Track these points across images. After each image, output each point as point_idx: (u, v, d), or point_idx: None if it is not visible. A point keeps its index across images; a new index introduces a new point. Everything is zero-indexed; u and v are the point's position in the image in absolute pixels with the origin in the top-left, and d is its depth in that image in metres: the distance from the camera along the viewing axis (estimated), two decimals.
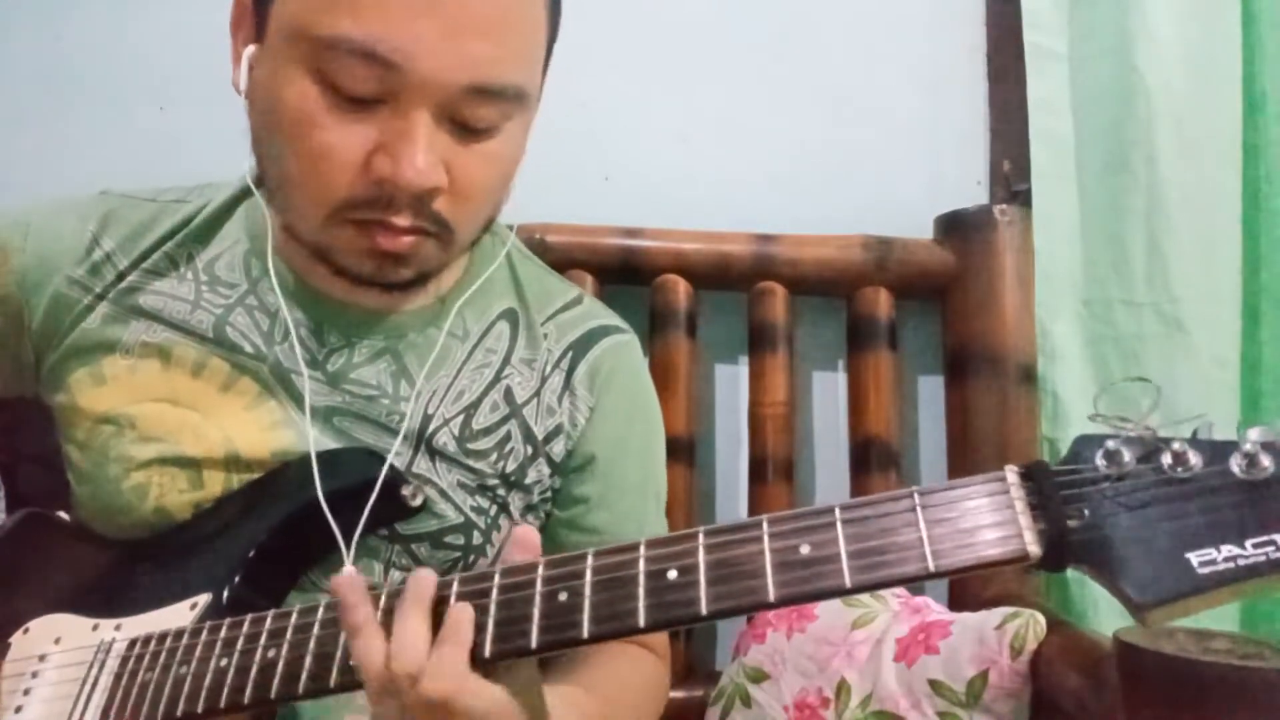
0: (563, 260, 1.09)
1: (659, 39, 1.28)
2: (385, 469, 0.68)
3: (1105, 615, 1.07)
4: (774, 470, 1.14)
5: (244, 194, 0.78)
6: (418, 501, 0.68)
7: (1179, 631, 0.69)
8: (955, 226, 1.18)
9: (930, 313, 1.20)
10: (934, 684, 0.85)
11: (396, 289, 0.70)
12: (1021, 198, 1.19)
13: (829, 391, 1.25)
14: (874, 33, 1.27)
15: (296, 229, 0.68)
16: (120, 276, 0.73)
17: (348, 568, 0.65)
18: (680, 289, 1.16)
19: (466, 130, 0.63)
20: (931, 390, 1.22)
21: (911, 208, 1.21)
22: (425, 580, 0.51)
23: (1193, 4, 1.10)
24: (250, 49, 0.65)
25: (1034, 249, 1.15)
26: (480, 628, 0.50)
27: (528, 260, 0.85)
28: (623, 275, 1.16)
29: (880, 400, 1.16)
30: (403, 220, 0.63)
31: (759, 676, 0.98)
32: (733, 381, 1.24)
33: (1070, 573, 1.11)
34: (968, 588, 1.10)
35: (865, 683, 0.90)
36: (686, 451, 1.14)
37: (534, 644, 0.49)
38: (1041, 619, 0.83)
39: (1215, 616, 1.03)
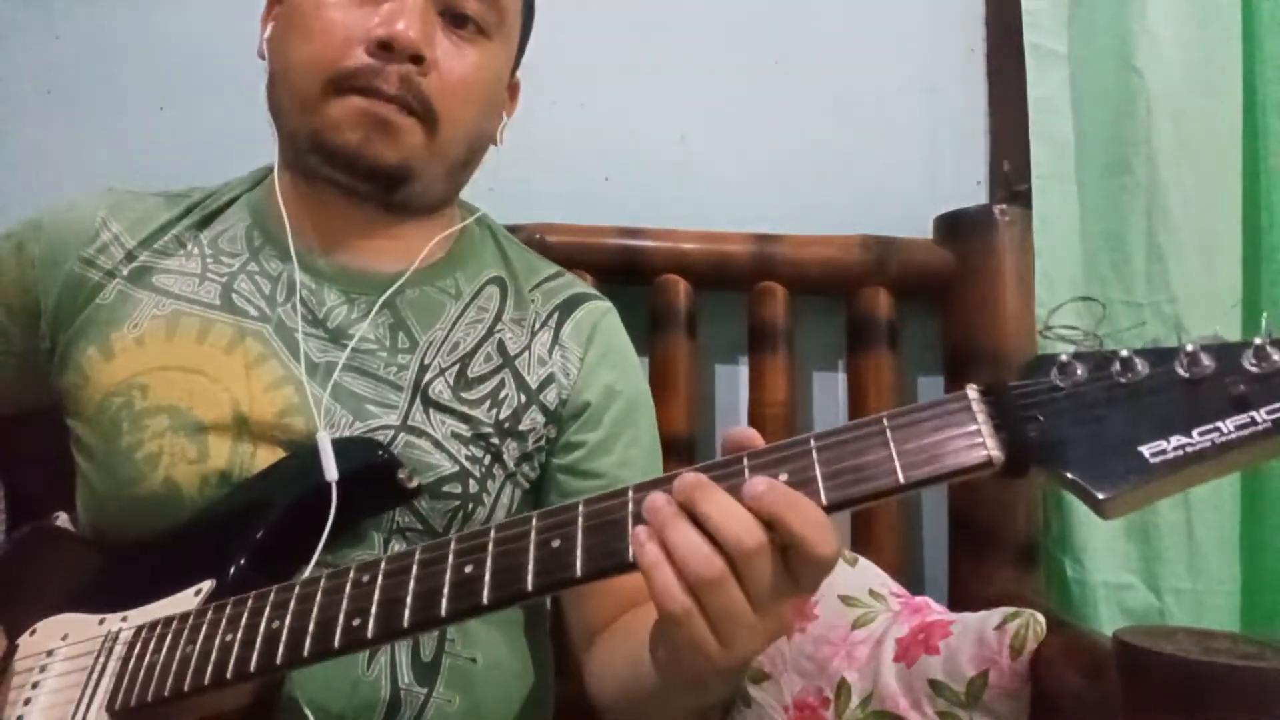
0: (563, 260, 1.08)
1: (659, 39, 1.28)
2: (381, 454, 0.70)
3: (1105, 615, 1.08)
4: None
5: (247, 190, 0.82)
6: (414, 484, 0.70)
7: (1180, 631, 0.69)
8: (955, 226, 1.18)
9: (930, 313, 1.20)
10: (934, 684, 0.85)
11: (384, 181, 0.73)
12: (1021, 198, 1.19)
13: (829, 391, 1.25)
14: (874, 33, 1.27)
15: (296, 124, 0.73)
16: (129, 256, 0.76)
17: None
18: (680, 289, 1.16)
19: (454, 19, 0.74)
20: (931, 390, 1.22)
21: (911, 208, 1.21)
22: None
23: (1193, 4, 1.10)
24: (274, 23, 0.76)
25: (1034, 249, 1.15)
26: (478, 579, 0.51)
27: (511, 241, 0.90)
28: (623, 275, 1.16)
29: (880, 400, 1.15)
30: (390, 86, 0.70)
31: (759, 676, 0.98)
32: (733, 381, 1.24)
33: (1070, 572, 1.12)
34: (968, 588, 1.10)
35: (865, 683, 0.90)
36: (686, 451, 1.14)
37: (529, 588, 0.50)
38: (1041, 619, 0.83)
39: (1216, 617, 1.03)
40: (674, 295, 1.16)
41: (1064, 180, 1.18)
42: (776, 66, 1.27)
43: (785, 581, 0.47)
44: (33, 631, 0.67)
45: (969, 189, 1.25)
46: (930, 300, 1.19)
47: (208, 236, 0.78)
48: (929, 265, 1.17)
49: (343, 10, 0.71)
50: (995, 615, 0.86)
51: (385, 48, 0.69)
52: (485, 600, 0.51)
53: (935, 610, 0.95)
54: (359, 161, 0.72)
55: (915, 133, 1.26)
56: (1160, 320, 1.09)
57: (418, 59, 0.70)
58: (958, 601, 1.08)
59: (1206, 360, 0.43)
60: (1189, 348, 0.43)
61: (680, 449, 1.11)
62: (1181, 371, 0.43)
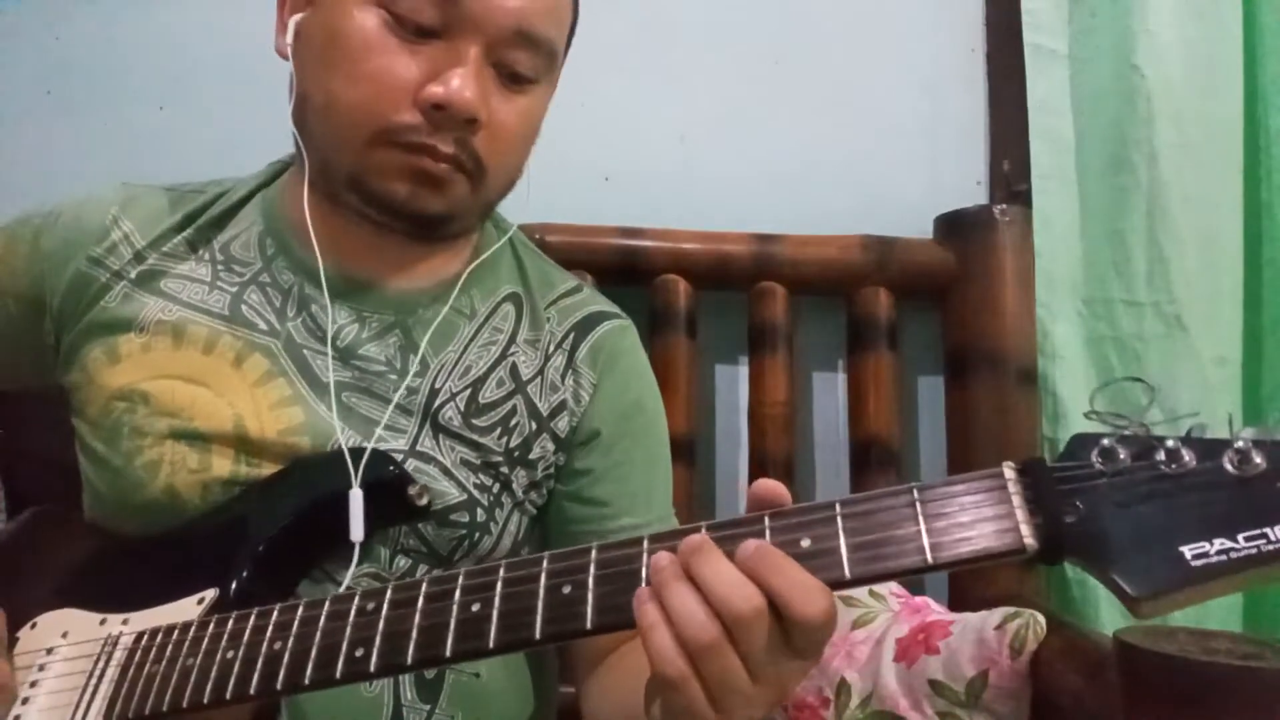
0: (563, 260, 1.08)
1: (659, 39, 1.28)
2: (391, 469, 0.68)
3: (1105, 615, 1.08)
4: (774, 470, 1.14)
5: (260, 186, 0.80)
6: (424, 501, 0.69)
7: (1180, 631, 0.69)
8: (955, 226, 1.18)
9: (930, 312, 1.20)
10: (934, 684, 0.85)
11: (423, 225, 0.71)
12: (1021, 198, 1.19)
13: (829, 391, 1.25)
14: (874, 32, 1.27)
15: (335, 161, 0.70)
16: (139, 257, 0.75)
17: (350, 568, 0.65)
18: (680, 289, 1.16)
19: (507, 76, 0.69)
20: (931, 390, 1.22)
21: (911, 208, 1.21)
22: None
23: (1193, 4, 1.10)
24: (298, 16, 0.71)
25: (1034, 249, 1.15)
26: (485, 619, 0.50)
27: (530, 250, 0.87)
28: (623, 275, 1.16)
29: (880, 400, 1.16)
30: (446, 147, 0.67)
31: None
32: (733, 381, 1.24)
33: (1070, 573, 1.12)
34: (968, 588, 1.10)
35: (865, 683, 0.90)
36: (686, 451, 1.14)
37: (537, 635, 0.49)
38: (1041, 619, 0.83)
39: (1216, 618, 1.03)
40: (674, 295, 1.16)
41: (1064, 180, 1.18)
42: (776, 66, 1.27)
43: (783, 648, 0.46)
44: (33, 625, 0.66)
45: (969, 189, 1.25)
46: (930, 300, 1.19)
47: (219, 241, 0.77)
48: (929, 265, 1.17)
49: (392, 57, 0.66)
50: (995, 615, 0.86)
51: (439, 108, 0.66)
52: (491, 644, 0.50)
53: (935, 610, 0.95)
54: (404, 210, 0.70)
55: (915, 133, 1.26)
56: (1161, 320, 1.09)
57: (472, 121, 0.67)
58: (958, 601, 1.08)
59: (1258, 458, 0.41)
60: (1239, 442, 0.41)
61: (680, 449, 1.11)
62: (1230, 468, 0.41)
